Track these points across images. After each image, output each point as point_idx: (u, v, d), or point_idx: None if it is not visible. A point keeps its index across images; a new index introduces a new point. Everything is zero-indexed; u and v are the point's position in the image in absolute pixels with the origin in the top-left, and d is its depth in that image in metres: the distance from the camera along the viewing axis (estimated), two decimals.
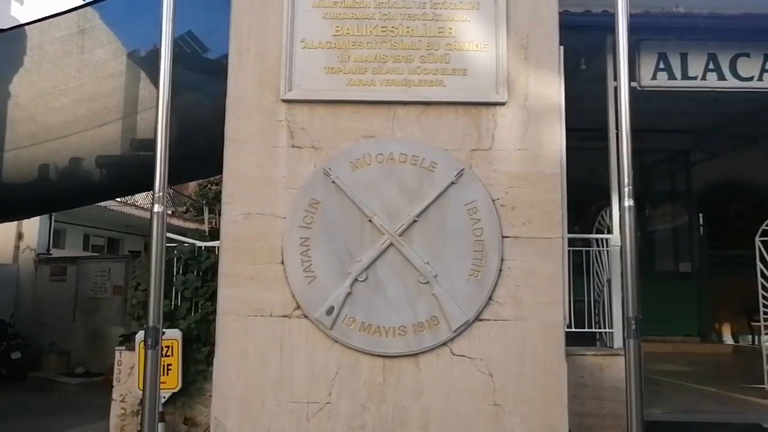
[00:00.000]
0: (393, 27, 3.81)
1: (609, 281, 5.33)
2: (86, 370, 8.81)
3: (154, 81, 4.56)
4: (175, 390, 5.08)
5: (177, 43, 4.04)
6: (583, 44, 5.54)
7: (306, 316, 3.59)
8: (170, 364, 5.04)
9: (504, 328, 3.58)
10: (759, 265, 5.94)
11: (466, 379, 3.55)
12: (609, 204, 5.44)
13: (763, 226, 6.00)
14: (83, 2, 5.40)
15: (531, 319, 3.59)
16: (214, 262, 5.17)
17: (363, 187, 3.66)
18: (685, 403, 5.49)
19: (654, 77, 5.76)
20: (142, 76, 5.41)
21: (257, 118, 3.75)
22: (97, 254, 13.85)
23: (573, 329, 5.00)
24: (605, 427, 4.77)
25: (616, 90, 3.34)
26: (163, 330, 3.15)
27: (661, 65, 5.75)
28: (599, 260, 5.61)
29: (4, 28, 5.44)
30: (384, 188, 3.66)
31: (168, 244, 4.28)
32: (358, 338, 3.57)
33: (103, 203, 10.08)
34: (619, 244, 4.43)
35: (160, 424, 4.68)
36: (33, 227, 10.75)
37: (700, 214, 9.87)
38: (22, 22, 5.86)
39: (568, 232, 3.80)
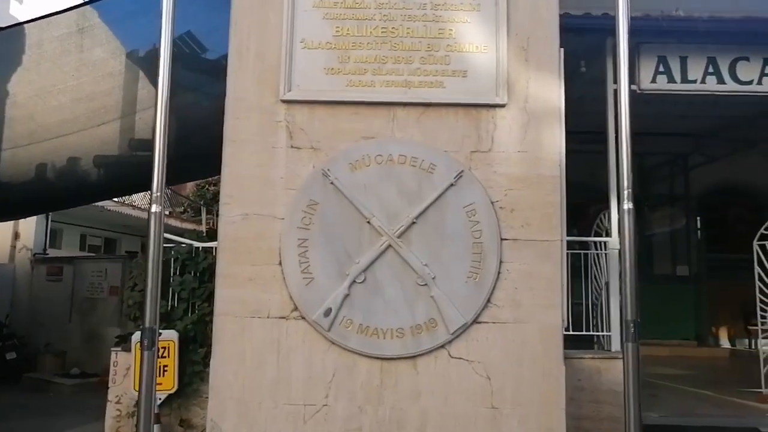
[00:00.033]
0: (393, 28, 3.80)
1: (607, 284, 5.33)
2: (82, 371, 8.77)
3: (153, 81, 4.54)
4: (172, 391, 5.07)
5: (176, 43, 4.02)
6: (583, 47, 5.54)
7: (303, 318, 3.57)
8: (166, 366, 5.03)
9: (502, 330, 3.57)
10: (757, 269, 5.95)
11: (463, 382, 3.53)
12: (608, 207, 5.44)
13: (762, 230, 6.00)
14: (82, 1, 5.38)
15: (529, 321, 3.58)
16: (211, 263, 5.16)
17: (362, 188, 3.64)
18: (683, 406, 5.50)
19: (654, 80, 5.77)
20: (141, 75, 5.40)
21: (256, 118, 3.73)
22: (93, 254, 13.80)
23: (571, 332, 4.97)
24: (603, 431, 4.76)
25: (616, 93, 3.33)
26: (160, 331, 3.12)
27: (661, 68, 5.76)
28: (597, 263, 5.61)
29: (3, 26, 5.42)
30: (383, 189, 3.64)
31: (165, 245, 4.27)
32: (355, 340, 3.54)
33: (100, 203, 10.07)
34: (618, 247, 4.41)
35: (155, 425, 4.66)
36: (29, 227, 10.70)
37: (699, 218, 9.90)
38: (21, 20, 5.84)
39: (567, 235, 3.78)
